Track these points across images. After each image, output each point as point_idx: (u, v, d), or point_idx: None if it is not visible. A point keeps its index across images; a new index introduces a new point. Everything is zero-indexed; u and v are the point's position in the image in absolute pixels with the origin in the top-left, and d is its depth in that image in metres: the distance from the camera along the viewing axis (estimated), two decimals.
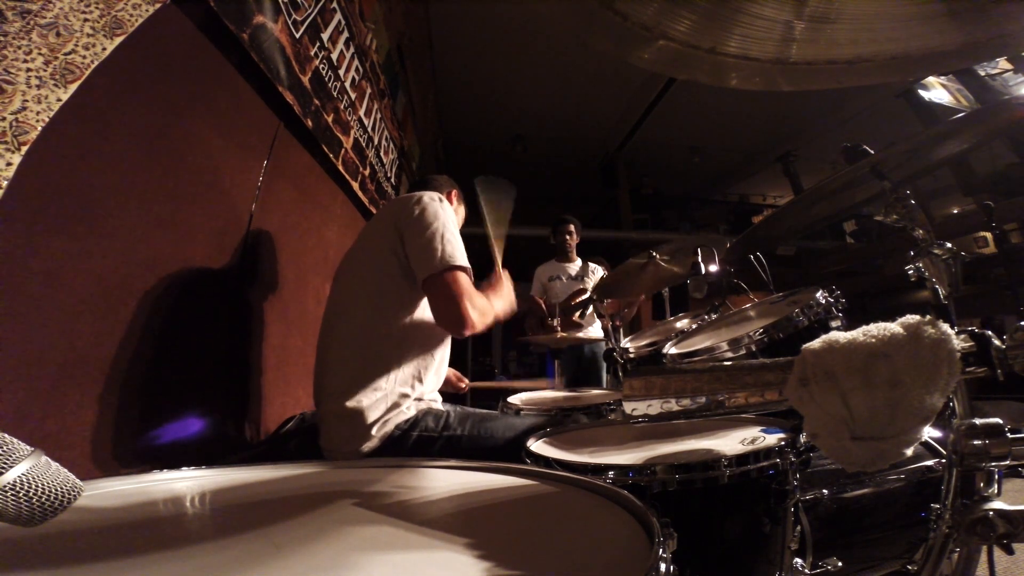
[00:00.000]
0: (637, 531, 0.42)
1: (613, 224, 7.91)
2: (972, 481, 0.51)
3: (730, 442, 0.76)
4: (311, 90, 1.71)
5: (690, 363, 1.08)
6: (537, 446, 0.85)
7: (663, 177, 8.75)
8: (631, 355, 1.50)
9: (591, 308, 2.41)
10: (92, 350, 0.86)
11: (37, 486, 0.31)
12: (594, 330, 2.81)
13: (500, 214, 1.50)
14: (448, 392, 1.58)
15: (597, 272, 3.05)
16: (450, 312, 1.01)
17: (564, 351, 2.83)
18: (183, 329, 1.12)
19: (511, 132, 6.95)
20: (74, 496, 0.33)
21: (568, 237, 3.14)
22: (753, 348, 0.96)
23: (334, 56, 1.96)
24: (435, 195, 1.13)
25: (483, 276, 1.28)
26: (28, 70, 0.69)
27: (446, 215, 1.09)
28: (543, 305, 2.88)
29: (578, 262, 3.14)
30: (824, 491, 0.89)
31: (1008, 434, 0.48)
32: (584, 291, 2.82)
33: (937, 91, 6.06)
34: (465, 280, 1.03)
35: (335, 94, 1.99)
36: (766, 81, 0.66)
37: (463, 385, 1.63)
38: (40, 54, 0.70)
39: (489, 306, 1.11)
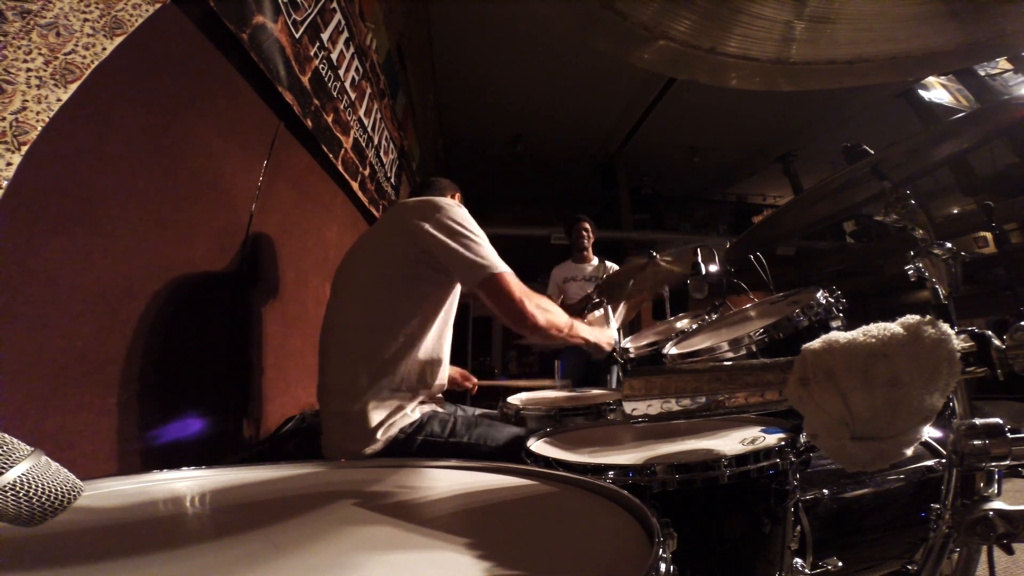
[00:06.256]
0: (637, 531, 0.42)
1: (613, 224, 7.91)
2: (972, 481, 0.51)
3: (730, 442, 0.76)
4: (311, 90, 1.71)
5: (690, 363, 1.08)
6: (537, 446, 0.84)
7: (663, 177, 8.76)
8: (631, 355, 1.50)
9: (599, 310, 2.41)
10: (92, 350, 0.86)
11: (37, 486, 0.31)
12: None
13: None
14: (453, 391, 1.58)
15: (611, 270, 3.03)
16: (509, 312, 1.03)
17: (567, 352, 2.81)
18: (183, 329, 1.12)
19: (511, 132, 6.96)
20: (74, 496, 0.33)
21: (585, 234, 3.08)
22: (753, 348, 0.96)
23: (334, 56, 1.96)
24: (449, 200, 1.13)
25: None
26: (28, 70, 0.69)
27: (467, 216, 1.10)
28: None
29: (594, 261, 3.08)
30: (824, 491, 0.89)
31: (1008, 434, 0.48)
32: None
33: (937, 91, 6.06)
34: (513, 278, 1.05)
35: (335, 94, 1.99)
36: (766, 81, 0.66)
37: (470, 384, 1.63)
38: (40, 54, 0.70)
39: (553, 307, 1.14)
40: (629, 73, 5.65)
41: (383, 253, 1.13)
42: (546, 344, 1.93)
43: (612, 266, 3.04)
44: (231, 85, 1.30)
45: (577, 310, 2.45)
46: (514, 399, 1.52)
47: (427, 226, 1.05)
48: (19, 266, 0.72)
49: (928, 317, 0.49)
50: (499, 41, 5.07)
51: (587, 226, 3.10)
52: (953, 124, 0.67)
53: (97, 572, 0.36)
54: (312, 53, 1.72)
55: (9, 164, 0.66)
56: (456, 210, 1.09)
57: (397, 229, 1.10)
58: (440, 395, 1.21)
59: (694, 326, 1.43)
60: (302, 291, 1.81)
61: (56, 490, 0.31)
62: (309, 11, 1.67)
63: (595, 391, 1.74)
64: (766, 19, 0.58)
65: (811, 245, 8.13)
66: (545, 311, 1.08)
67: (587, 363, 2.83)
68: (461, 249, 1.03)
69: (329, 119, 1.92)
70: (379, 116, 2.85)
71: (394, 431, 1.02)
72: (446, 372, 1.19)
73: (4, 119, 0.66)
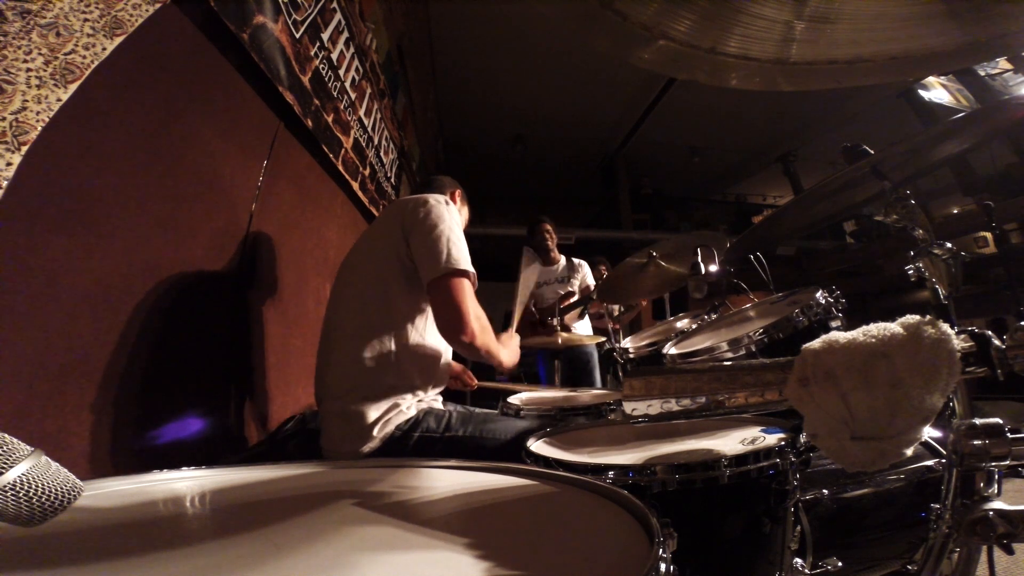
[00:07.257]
0: (637, 531, 0.42)
1: (613, 224, 7.92)
2: (972, 481, 0.51)
3: (730, 442, 0.76)
4: (311, 90, 1.71)
5: (690, 363, 1.08)
6: (537, 446, 0.84)
7: (663, 177, 8.75)
8: (631, 355, 1.50)
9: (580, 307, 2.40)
10: (92, 350, 0.86)
11: (37, 486, 0.31)
12: (582, 329, 2.77)
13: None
14: (452, 390, 1.59)
15: (583, 268, 2.97)
16: (450, 317, 1.01)
17: (560, 352, 2.81)
18: (183, 329, 1.12)
19: (511, 132, 6.96)
20: (74, 496, 0.33)
21: (547, 235, 3.00)
22: (753, 348, 0.96)
23: (334, 56, 1.96)
24: (441, 197, 1.13)
25: (484, 276, 1.28)
26: (28, 70, 0.69)
27: (451, 218, 1.09)
28: (533, 310, 2.83)
29: (562, 261, 3.02)
30: (824, 491, 0.89)
31: (1008, 434, 0.48)
32: (573, 293, 2.78)
33: (937, 91, 6.07)
34: (467, 287, 1.03)
35: (335, 94, 1.99)
36: (766, 81, 0.66)
37: (472, 383, 1.63)
38: (40, 54, 0.70)
39: (490, 328, 1.09)
40: (629, 73, 5.65)
41: (380, 251, 1.13)
42: (548, 343, 1.94)
43: (580, 263, 3.00)
44: (231, 85, 1.30)
45: (562, 311, 2.45)
46: (514, 399, 1.52)
47: (411, 220, 1.07)
48: (19, 266, 0.72)
49: (928, 317, 0.49)
50: (499, 41, 5.07)
51: (548, 227, 3.02)
52: (953, 124, 0.67)
53: (97, 572, 0.36)
54: (312, 53, 1.72)
55: (9, 164, 0.66)
56: (439, 207, 1.09)
57: (392, 227, 1.10)
58: (438, 394, 1.21)
59: (694, 326, 1.43)
60: (302, 291, 1.81)
61: (56, 490, 0.31)
62: (309, 11, 1.67)
63: (595, 391, 1.74)
64: (766, 19, 0.58)
65: (811, 245, 8.13)
66: (485, 331, 1.04)
67: (570, 363, 2.82)
68: (429, 242, 1.03)
69: (329, 119, 1.92)
70: (379, 116, 2.85)
71: (390, 428, 1.02)
72: (445, 371, 1.19)
73: (4, 119, 0.66)
